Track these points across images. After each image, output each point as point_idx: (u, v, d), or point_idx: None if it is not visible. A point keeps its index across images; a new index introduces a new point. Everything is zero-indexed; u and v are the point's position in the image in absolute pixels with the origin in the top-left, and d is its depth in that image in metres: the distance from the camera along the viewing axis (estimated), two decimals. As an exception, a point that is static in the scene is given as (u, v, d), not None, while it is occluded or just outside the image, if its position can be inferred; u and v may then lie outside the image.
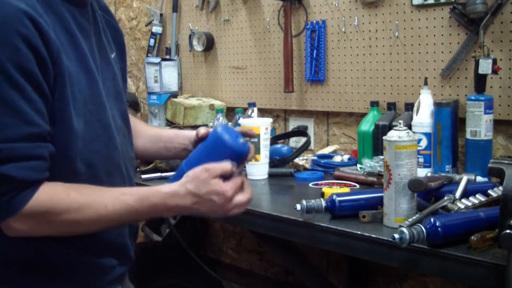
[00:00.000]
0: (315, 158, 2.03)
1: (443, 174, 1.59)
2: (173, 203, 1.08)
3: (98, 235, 1.11)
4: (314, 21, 2.24)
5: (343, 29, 2.15)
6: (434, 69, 1.90)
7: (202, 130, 1.27)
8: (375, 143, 1.90)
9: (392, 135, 1.27)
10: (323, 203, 1.37)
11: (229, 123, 2.29)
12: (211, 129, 1.25)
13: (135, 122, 1.40)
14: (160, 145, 1.41)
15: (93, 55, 1.14)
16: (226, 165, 1.10)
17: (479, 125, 1.66)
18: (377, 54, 2.06)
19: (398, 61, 2.00)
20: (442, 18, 1.86)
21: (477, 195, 1.34)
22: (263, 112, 2.47)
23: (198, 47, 2.71)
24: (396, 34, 1.99)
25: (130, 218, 1.09)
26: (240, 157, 1.16)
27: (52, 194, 1.01)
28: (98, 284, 1.15)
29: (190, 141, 1.35)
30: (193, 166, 1.11)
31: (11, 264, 1.07)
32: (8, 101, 0.96)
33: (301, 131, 2.19)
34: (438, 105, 1.75)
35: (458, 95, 1.85)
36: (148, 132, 1.43)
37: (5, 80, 0.95)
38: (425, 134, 1.76)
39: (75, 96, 1.05)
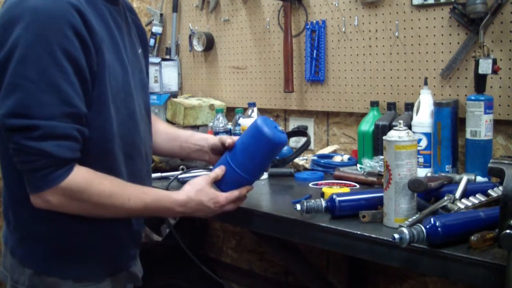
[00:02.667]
0: (315, 158, 2.03)
1: (443, 174, 1.59)
2: (180, 210, 1.28)
3: (121, 222, 1.26)
4: (314, 21, 2.24)
5: (343, 29, 2.15)
6: (434, 69, 1.90)
7: (229, 140, 1.40)
8: (375, 143, 1.90)
9: (392, 135, 1.27)
10: (323, 203, 1.37)
11: (229, 123, 2.29)
12: (235, 138, 1.39)
13: (155, 119, 1.52)
14: (175, 143, 1.54)
15: (125, 49, 1.25)
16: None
17: (479, 125, 1.66)
18: (377, 54, 2.06)
19: (398, 61, 2.00)
20: (442, 18, 1.86)
21: (477, 195, 1.34)
22: (263, 112, 2.47)
23: (198, 47, 2.71)
24: (396, 34, 1.99)
25: (144, 213, 1.26)
26: (279, 146, 1.33)
27: (87, 178, 1.13)
28: (117, 264, 1.29)
29: (207, 143, 1.50)
30: (237, 158, 1.33)
31: (37, 242, 1.18)
32: (53, 81, 1.05)
33: (301, 131, 2.19)
34: (438, 105, 1.75)
35: (458, 95, 1.85)
36: (166, 130, 1.55)
37: (52, 62, 1.05)
38: (425, 134, 1.76)
39: (111, 84, 1.16)
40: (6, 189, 1.22)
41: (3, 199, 1.24)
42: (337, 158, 2.03)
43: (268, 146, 1.32)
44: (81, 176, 1.12)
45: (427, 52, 1.91)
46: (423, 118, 1.78)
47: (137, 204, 1.20)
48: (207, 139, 1.51)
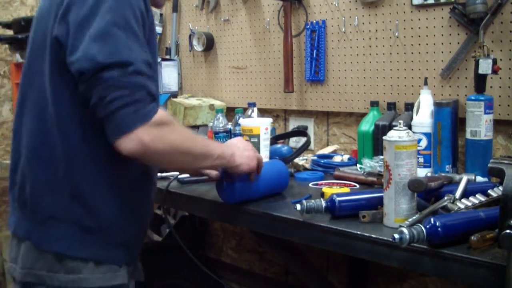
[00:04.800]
0: (315, 158, 2.03)
1: (443, 174, 1.59)
2: (219, 147, 1.35)
3: (145, 206, 1.33)
4: (314, 21, 2.24)
5: (343, 29, 2.15)
6: (434, 69, 1.90)
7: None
8: (375, 143, 1.90)
9: (392, 135, 1.27)
10: (323, 203, 1.37)
11: (229, 123, 2.29)
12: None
13: None
14: None
15: None
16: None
17: (479, 125, 1.66)
18: (377, 54, 2.06)
19: (398, 61, 2.00)
20: (442, 18, 1.86)
21: (477, 195, 1.34)
22: (263, 112, 2.47)
23: (198, 47, 2.71)
24: (396, 34, 1.99)
25: (203, 146, 1.28)
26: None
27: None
28: (135, 252, 1.34)
29: None
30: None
31: (61, 223, 1.19)
32: (135, 32, 1.13)
33: (301, 131, 2.19)
34: (438, 105, 1.75)
35: (458, 95, 1.85)
36: None
37: (133, 17, 1.13)
38: (425, 134, 1.76)
39: None
40: (31, 171, 1.22)
41: (19, 183, 1.24)
42: (337, 158, 2.03)
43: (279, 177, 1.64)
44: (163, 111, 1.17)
45: (427, 52, 1.91)
46: (423, 118, 1.78)
47: (197, 136, 1.30)
48: None
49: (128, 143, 1.10)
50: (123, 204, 1.24)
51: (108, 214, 1.22)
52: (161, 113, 1.13)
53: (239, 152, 1.39)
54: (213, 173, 1.51)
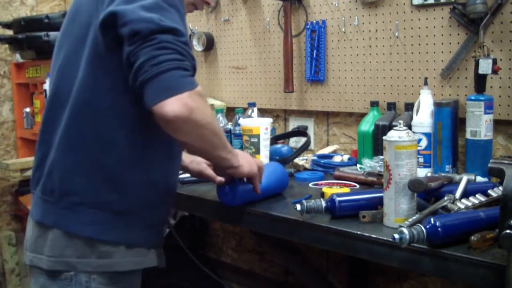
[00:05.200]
0: (315, 158, 2.03)
1: (443, 174, 1.59)
2: (230, 148, 1.33)
3: (170, 187, 1.36)
4: (314, 21, 2.24)
5: (343, 29, 2.15)
6: (434, 69, 1.90)
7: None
8: (375, 143, 1.90)
9: (392, 135, 1.28)
10: (323, 203, 1.37)
11: (229, 123, 2.29)
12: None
13: None
14: None
15: None
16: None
17: (479, 125, 1.66)
18: (377, 54, 2.06)
19: (398, 61, 2.00)
20: (442, 18, 1.86)
21: (477, 195, 1.34)
22: (263, 112, 2.47)
23: (198, 47, 2.71)
24: (396, 34, 1.99)
25: (221, 137, 1.26)
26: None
27: None
28: (161, 236, 1.41)
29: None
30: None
31: (92, 208, 1.21)
32: (181, 13, 1.18)
33: (301, 131, 2.19)
34: (438, 105, 1.75)
35: (458, 95, 1.85)
36: None
37: (179, 1, 1.18)
38: (425, 134, 1.76)
39: None
40: (61, 158, 1.22)
41: (45, 173, 1.25)
42: (337, 158, 2.03)
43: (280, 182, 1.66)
44: None
45: (427, 52, 1.92)
46: (423, 118, 1.78)
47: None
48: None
49: (175, 104, 1.07)
50: (153, 186, 1.27)
51: (139, 196, 1.24)
52: (200, 87, 1.14)
53: (241, 154, 1.41)
54: (217, 178, 1.51)
